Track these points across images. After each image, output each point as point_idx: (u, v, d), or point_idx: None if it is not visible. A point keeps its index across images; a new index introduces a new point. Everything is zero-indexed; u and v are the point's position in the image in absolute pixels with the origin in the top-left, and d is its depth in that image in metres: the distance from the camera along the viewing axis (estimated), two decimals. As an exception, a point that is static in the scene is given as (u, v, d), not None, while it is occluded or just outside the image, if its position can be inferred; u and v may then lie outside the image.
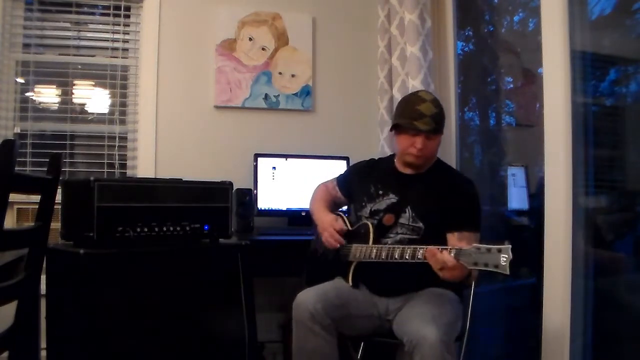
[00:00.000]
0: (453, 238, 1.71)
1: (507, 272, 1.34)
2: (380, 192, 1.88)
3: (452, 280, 1.56)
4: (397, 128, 1.81)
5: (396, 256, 1.65)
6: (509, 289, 2.54)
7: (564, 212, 1.80)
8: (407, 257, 1.62)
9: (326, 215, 1.91)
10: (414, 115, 1.74)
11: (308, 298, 1.71)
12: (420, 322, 1.56)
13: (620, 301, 1.87)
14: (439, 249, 1.51)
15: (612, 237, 1.94)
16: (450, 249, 1.48)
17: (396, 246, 1.68)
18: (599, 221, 1.92)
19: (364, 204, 1.90)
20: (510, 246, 1.36)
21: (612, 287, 1.91)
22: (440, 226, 1.75)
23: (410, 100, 1.81)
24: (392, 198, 1.85)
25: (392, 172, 1.93)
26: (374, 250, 1.74)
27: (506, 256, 1.35)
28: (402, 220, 1.80)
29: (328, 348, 1.70)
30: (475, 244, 1.42)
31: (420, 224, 1.77)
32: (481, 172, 2.86)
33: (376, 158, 2.10)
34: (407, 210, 1.80)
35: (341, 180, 2.09)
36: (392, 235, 1.80)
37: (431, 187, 1.82)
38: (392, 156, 2.03)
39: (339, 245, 1.81)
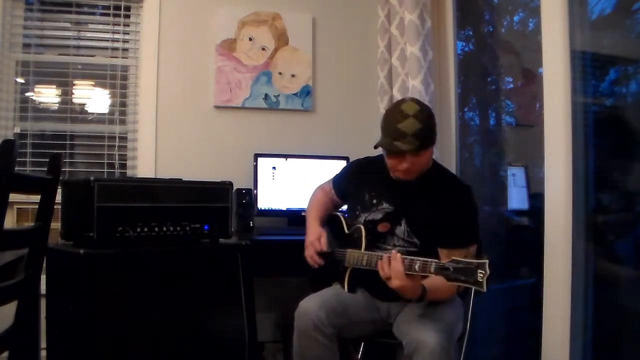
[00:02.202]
0: (442, 255, 1.68)
1: (484, 289, 1.31)
2: (374, 201, 1.83)
3: (404, 295, 1.54)
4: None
5: (373, 264, 1.66)
6: (509, 289, 2.54)
7: (564, 212, 1.80)
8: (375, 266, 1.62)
9: (312, 231, 1.91)
10: (395, 135, 1.61)
11: (311, 307, 1.69)
12: (419, 326, 1.55)
13: (620, 301, 1.87)
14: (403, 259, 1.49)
15: (612, 237, 1.94)
16: (430, 261, 1.45)
17: (373, 254, 1.69)
18: (599, 221, 1.92)
19: (357, 212, 1.86)
20: (487, 261, 1.33)
21: (612, 288, 1.91)
22: (436, 242, 1.72)
23: (392, 117, 1.65)
24: (386, 208, 1.79)
25: (386, 177, 1.80)
26: (365, 258, 1.72)
27: (483, 272, 1.32)
28: (398, 233, 1.76)
29: (330, 355, 1.69)
30: (454, 258, 1.39)
31: (416, 240, 1.74)
32: (481, 172, 2.86)
33: (371, 157, 1.98)
34: (402, 223, 1.76)
35: (336, 183, 2.05)
36: (389, 247, 1.76)
37: (426, 197, 1.74)
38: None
39: (317, 266, 1.83)
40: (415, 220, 1.74)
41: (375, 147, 1.71)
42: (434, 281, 1.53)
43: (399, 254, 1.51)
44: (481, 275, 1.32)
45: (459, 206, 1.73)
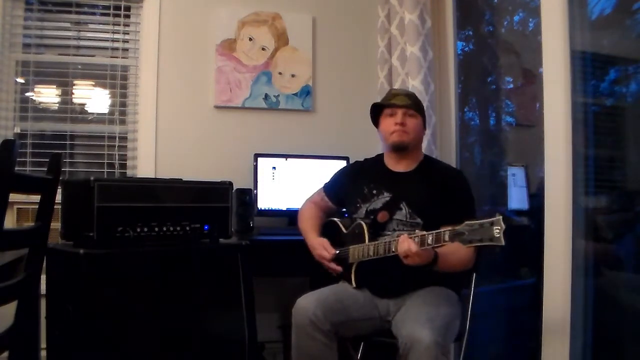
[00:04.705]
0: None
1: (503, 242, 1.34)
2: (374, 191, 1.89)
3: (420, 266, 1.60)
4: (376, 115, 1.97)
5: (380, 251, 1.71)
6: (509, 289, 2.54)
7: (564, 212, 1.80)
8: (386, 252, 1.68)
9: (314, 242, 1.96)
10: (389, 96, 1.93)
11: (308, 304, 1.70)
12: (415, 324, 1.55)
13: (620, 301, 1.87)
14: (411, 236, 1.56)
15: (612, 237, 1.94)
16: (442, 231, 1.50)
17: (379, 242, 1.73)
18: (599, 221, 1.92)
19: (358, 205, 1.91)
20: (501, 217, 1.36)
21: (612, 287, 1.91)
22: (438, 219, 1.74)
23: (386, 92, 2.02)
24: (386, 196, 1.86)
25: (383, 170, 1.95)
26: (371, 248, 1.76)
27: (499, 227, 1.35)
28: (398, 217, 1.82)
29: (328, 353, 1.70)
30: (467, 222, 1.43)
31: (419, 220, 1.80)
32: (481, 172, 2.86)
33: (362, 159, 2.11)
34: (402, 207, 1.82)
35: (328, 189, 2.11)
36: (389, 233, 1.82)
37: (423, 182, 1.86)
38: (380, 155, 2.04)
39: (337, 273, 1.89)
40: (415, 201, 1.82)
41: (372, 108, 1.97)
42: (445, 247, 1.57)
43: (408, 236, 1.57)
44: (497, 230, 1.35)
45: (456, 183, 1.86)
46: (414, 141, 1.88)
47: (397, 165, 1.93)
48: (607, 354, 1.89)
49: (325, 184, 2.15)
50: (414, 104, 1.88)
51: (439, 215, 1.76)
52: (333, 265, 1.89)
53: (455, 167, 1.99)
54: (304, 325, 1.68)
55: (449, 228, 1.48)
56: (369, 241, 1.79)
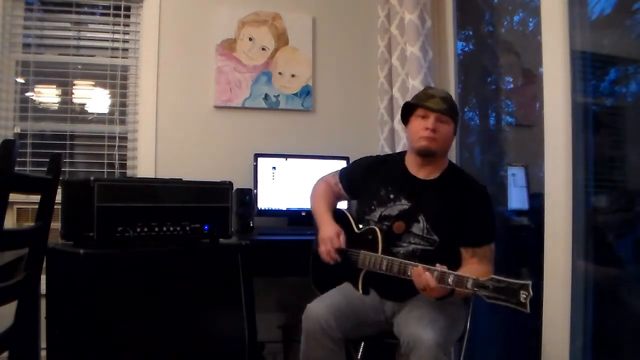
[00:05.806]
0: (467, 254, 1.70)
1: (528, 310, 1.33)
2: (391, 196, 1.80)
3: (436, 298, 1.60)
4: (407, 112, 1.81)
5: (394, 270, 1.66)
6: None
7: (564, 212, 1.80)
8: (400, 273, 1.63)
9: (329, 226, 1.84)
10: (424, 97, 1.77)
11: (319, 311, 1.68)
12: (417, 324, 1.56)
13: (620, 301, 1.87)
14: (429, 269, 1.52)
15: (612, 237, 1.94)
16: (467, 277, 1.45)
17: (395, 260, 1.67)
18: (599, 221, 1.92)
19: (373, 207, 1.82)
20: (530, 282, 1.34)
21: (612, 288, 1.91)
22: (456, 239, 1.72)
23: (423, 89, 1.87)
24: (404, 204, 1.77)
25: (404, 174, 1.84)
26: (385, 262, 1.69)
27: (526, 293, 1.33)
28: (415, 230, 1.74)
29: (335, 359, 1.69)
30: (494, 277, 1.39)
31: (435, 237, 1.71)
32: (481, 172, 2.86)
33: (381, 155, 2.01)
34: (420, 220, 1.73)
35: (344, 176, 2.00)
36: (404, 245, 1.75)
37: (445, 195, 1.75)
38: (401, 155, 1.93)
39: (333, 262, 1.79)
40: (434, 216, 1.73)
41: (404, 107, 1.82)
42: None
43: (426, 272, 1.52)
44: (524, 296, 1.33)
45: (480, 204, 1.75)
46: (442, 149, 1.76)
47: (419, 171, 1.81)
48: (607, 354, 1.89)
49: (342, 170, 2.04)
50: (448, 109, 1.73)
51: (459, 235, 1.71)
52: (334, 254, 1.77)
53: (479, 183, 1.82)
54: (315, 332, 1.66)
55: (473, 277, 1.44)
56: (382, 252, 1.72)
